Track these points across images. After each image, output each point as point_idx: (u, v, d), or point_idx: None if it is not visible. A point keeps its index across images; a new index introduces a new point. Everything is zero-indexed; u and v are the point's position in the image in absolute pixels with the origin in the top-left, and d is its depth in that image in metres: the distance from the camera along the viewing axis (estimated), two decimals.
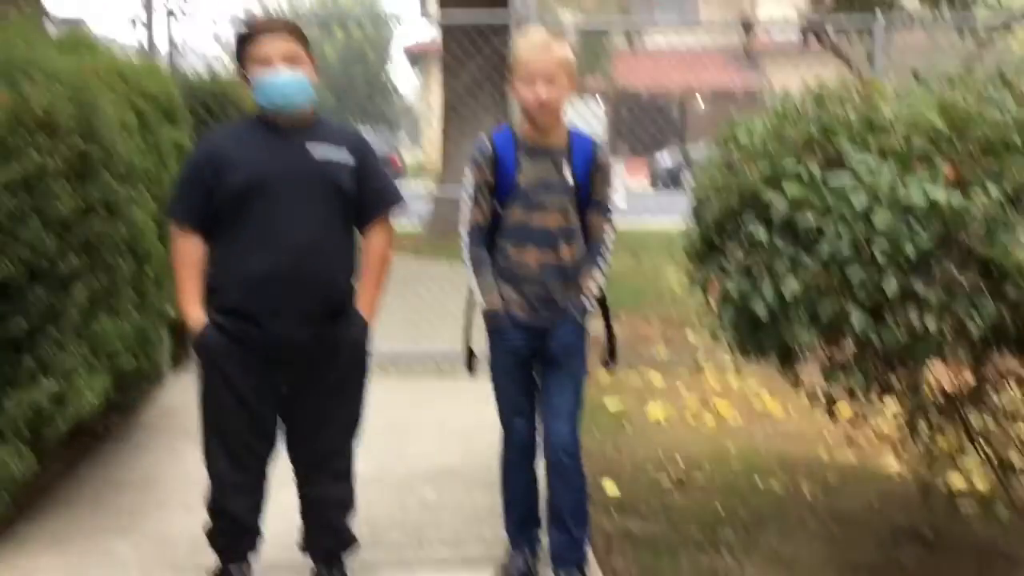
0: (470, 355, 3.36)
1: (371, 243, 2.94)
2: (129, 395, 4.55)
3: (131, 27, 5.79)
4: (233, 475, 2.86)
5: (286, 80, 2.70)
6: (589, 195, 3.09)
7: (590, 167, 3.07)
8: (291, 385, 2.85)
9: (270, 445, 2.92)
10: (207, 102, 5.88)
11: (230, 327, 2.74)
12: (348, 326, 2.88)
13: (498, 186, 3.06)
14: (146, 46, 5.58)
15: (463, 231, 3.10)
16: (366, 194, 2.88)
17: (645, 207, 10.07)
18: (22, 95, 3.12)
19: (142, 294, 4.19)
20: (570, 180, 3.05)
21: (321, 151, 2.78)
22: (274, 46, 2.70)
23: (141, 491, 3.95)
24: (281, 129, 2.77)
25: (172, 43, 5.58)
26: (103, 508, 3.75)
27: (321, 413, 2.90)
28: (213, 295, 2.78)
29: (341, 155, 2.81)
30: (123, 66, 4.61)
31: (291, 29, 2.76)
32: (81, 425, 3.91)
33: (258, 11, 30.16)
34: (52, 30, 5.14)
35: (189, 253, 2.79)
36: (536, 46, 2.94)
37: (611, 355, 3.33)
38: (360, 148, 2.88)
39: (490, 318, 3.08)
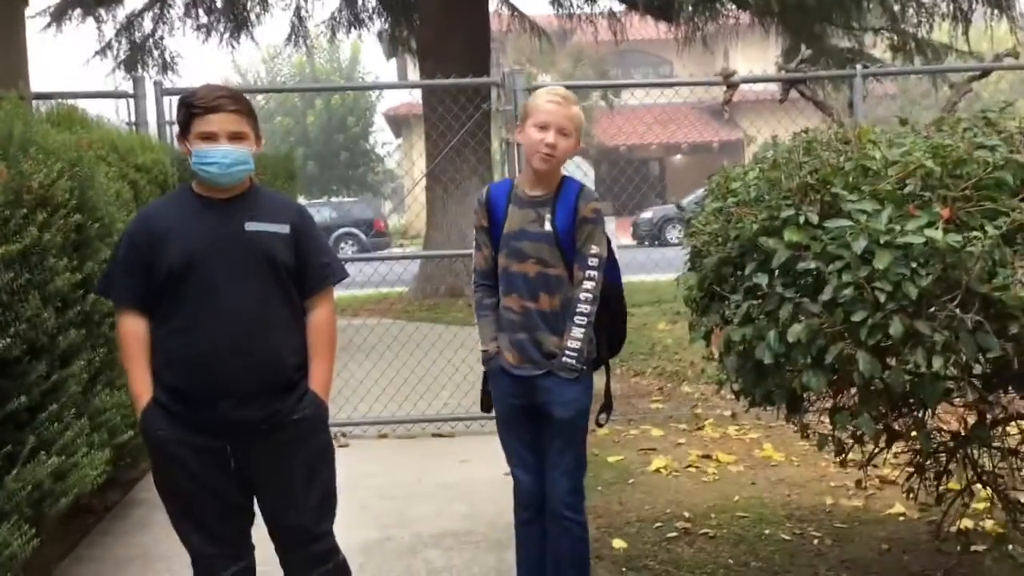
0: (485, 394, 3.34)
1: (316, 317, 2.82)
2: (127, 470, 4.49)
3: (114, 101, 5.83)
4: (209, 547, 2.77)
5: (226, 154, 2.64)
6: (571, 245, 3.10)
7: (573, 216, 3.09)
8: (242, 461, 2.73)
9: (241, 513, 2.82)
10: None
11: (173, 408, 2.67)
12: (301, 405, 2.76)
13: (491, 233, 3.19)
14: (133, 119, 5.63)
15: (473, 276, 3.28)
16: (308, 267, 2.79)
17: (628, 264, 10.10)
18: (21, 172, 3.13)
19: None
20: (548, 228, 3.09)
21: (254, 223, 2.71)
22: (221, 124, 2.64)
23: (142, 568, 3.89)
24: (215, 202, 2.72)
25: (160, 115, 5.62)
26: None
27: (286, 495, 2.78)
28: (155, 376, 2.71)
29: (276, 226, 2.73)
30: (116, 139, 4.65)
31: (238, 106, 2.69)
32: (80, 502, 3.86)
33: (236, 81, 30.27)
34: (38, 107, 5.17)
35: (133, 334, 2.71)
36: (557, 98, 3.07)
37: (606, 412, 3.31)
38: (297, 219, 2.80)
39: (484, 362, 3.22)
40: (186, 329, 2.66)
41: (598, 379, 3.23)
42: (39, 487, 3.15)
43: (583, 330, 3.07)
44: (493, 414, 3.29)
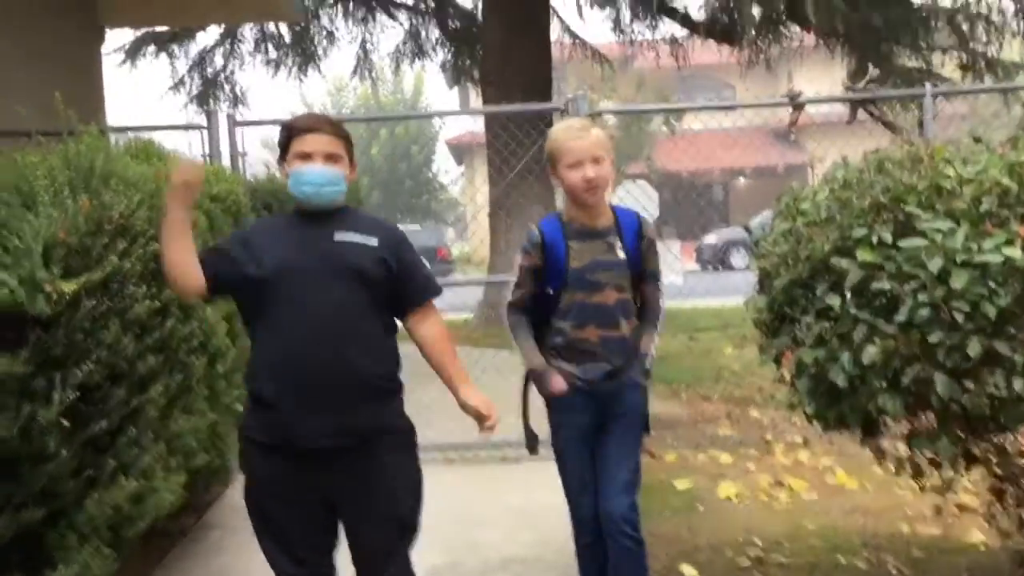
0: (529, 435, 3.37)
1: (429, 330, 2.88)
2: (201, 494, 4.57)
3: (187, 134, 6.00)
4: (295, 568, 2.78)
5: (320, 173, 2.72)
6: (641, 267, 3.20)
7: (639, 241, 3.19)
8: (332, 475, 2.70)
9: (329, 536, 2.82)
10: (269, 202, 6.03)
11: (262, 420, 2.69)
12: (391, 417, 2.80)
13: (549, 271, 3.16)
14: (206, 151, 5.77)
15: (505, 308, 3.25)
16: (406, 287, 2.84)
17: (693, 288, 10.01)
18: (102, 202, 3.23)
19: (213, 391, 4.25)
20: (622, 255, 3.15)
21: (343, 233, 2.76)
22: (316, 144, 2.74)
23: None
24: (309, 215, 2.79)
25: (233, 146, 5.75)
26: None
27: (372, 512, 2.77)
28: (246, 387, 2.76)
29: (364, 238, 2.77)
30: None
31: (334, 129, 2.80)
32: (157, 526, 3.94)
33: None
34: (116, 141, 5.34)
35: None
36: (577, 130, 3.10)
37: (644, 424, 3.30)
38: (392, 239, 2.84)
39: (535, 378, 3.19)
40: (272, 338, 2.69)
41: None
42: (118, 510, 3.22)
43: (656, 338, 3.22)
44: (550, 443, 3.30)
